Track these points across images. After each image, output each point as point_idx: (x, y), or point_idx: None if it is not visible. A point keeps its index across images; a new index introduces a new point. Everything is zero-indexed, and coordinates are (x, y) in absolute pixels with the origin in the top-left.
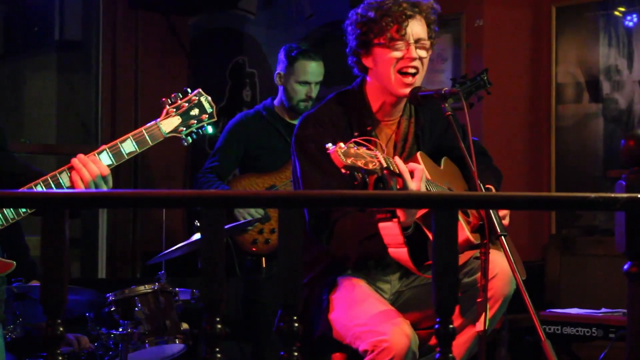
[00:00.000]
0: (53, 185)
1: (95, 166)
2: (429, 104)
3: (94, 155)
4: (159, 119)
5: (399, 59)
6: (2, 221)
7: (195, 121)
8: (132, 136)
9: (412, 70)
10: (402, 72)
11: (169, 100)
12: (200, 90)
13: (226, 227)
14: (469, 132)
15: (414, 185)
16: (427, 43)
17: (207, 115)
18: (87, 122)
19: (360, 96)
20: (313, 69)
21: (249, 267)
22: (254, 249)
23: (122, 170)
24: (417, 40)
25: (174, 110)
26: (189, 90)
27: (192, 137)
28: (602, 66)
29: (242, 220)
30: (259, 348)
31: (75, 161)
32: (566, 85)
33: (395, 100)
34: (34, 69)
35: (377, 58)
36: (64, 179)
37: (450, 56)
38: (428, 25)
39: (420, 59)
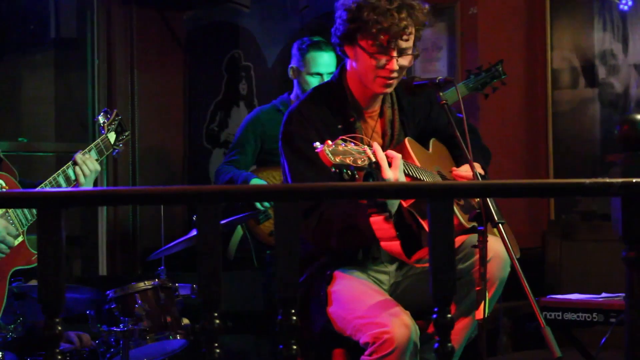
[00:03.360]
0: (63, 180)
1: (92, 163)
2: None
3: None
4: (104, 132)
5: (378, 67)
6: (25, 221)
7: (123, 136)
8: (95, 146)
9: (391, 79)
10: (381, 77)
11: (102, 118)
12: (116, 110)
13: (231, 219)
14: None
15: (390, 174)
16: (410, 52)
17: (128, 132)
18: (84, 119)
19: (340, 88)
20: (324, 60)
21: (269, 261)
22: (271, 240)
23: (121, 167)
24: (401, 52)
25: (112, 126)
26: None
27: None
28: (598, 51)
29: (246, 213)
30: (276, 344)
31: (78, 157)
32: (562, 71)
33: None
34: (31, 68)
35: (359, 56)
36: (71, 173)
37: (445, 45)
38: (417, 31)
39: (401, 68)
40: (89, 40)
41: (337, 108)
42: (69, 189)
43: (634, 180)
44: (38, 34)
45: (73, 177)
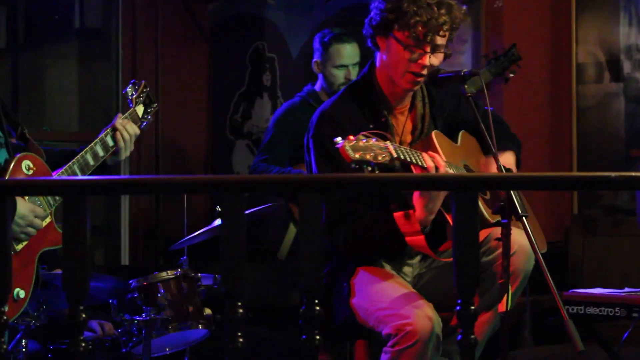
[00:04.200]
0: (101, 148)
1: (131, 127)
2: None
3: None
4: (132, 105)
5: (411, 61)
6: (53, 201)
7: (151, 108)
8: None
9: (420, 76)
10: (411, 72)
11: (131, 90)
12: (144, 82)
13: (255, 209)
14: (487, 107)
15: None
16: (443, 50)
17: (155, 104)
18: (109, 109)
19: (371, 86)
20: (348, 52)
21: None
22: None
23: (144, 157)
24: (434, 48)
25: (140, 98)
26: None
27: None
28: (623, 45)
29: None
30: (298, 336)
31: (118, 122)
32: (587, 65)
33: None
34: (55, 58)
35: (391, 48)
36: (109, 141)
37: (470, 38)
38: (452, 32)
39: (431, 66)
40: (114, 30)
41: (368, 107)
42: (93, 177)
43: None
44: (63, 24)
45: (112, 144)
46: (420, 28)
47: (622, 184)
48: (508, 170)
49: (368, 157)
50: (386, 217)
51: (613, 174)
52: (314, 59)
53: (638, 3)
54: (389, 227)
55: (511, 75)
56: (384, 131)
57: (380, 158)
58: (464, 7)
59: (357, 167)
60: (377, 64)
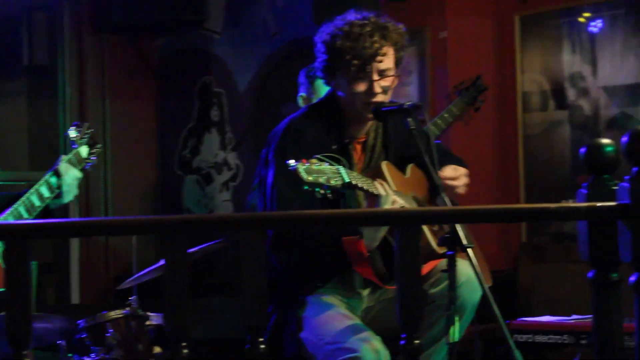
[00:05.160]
0: (45, 189)
1: (73, 171)
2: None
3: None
4: (75, 146)
5: (361, 92)
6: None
7: (95, 149)
8: (67, 160)
9: (377, 102)
10: (367, 102)
11: (74, 132)
12: (87, 124)
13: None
14: (432, 141)
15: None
16: (392, 71)
17: (99, 145)
18: (57, 148)
19: (335, 109)
20: None
21: None
22: None
23: (92, 193)
24: (381, 73)
25: (83, 140)
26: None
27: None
28: (567, 73)
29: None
30: None
31: (61, 167)
32: (532, 94)
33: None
34: (3, 96)
35: (341, 86)
36: (53, 181)
37: (416, 69)
38: (397, 51)
39: (384, 90)
40: (60, 67)
41: (334, 128)
42: (35, 220)
43: (599, 205)
44: (10, 61)
45: (56, 185)
46: (356, 61)
47: (562, 215)
48: (454, 203)
49: (321, 180)
50: (333, 241)
51: (553, 205)
52: (300, 94)
53: (581, 31)
54: (335, 251)
55: (480, 104)
56: (342, 155)
57: (332, 182)
58: (401, 25)
59: (310, 189)
60: (338, 93)
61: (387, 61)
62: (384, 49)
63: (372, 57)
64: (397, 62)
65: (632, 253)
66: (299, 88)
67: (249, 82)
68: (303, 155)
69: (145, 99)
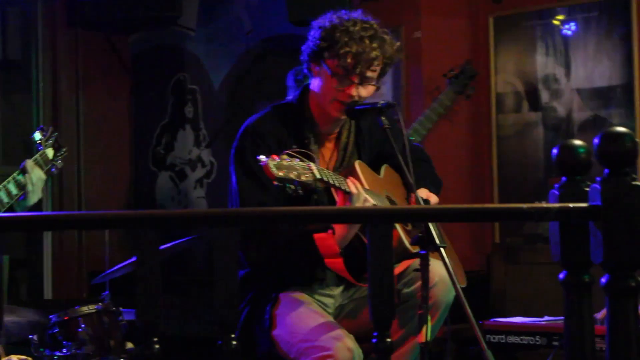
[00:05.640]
0: (13, 186)
1: (37, 172)
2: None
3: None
4: (41, 148)
5: (338, 90)
6: None
7: (61, 152)
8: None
9: (346, 105)
10: (338, 100)
11: (39, 134)
12: (52, 128)
13: (171, 243)
14: (406, 140)
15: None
16: (373, 83)
17: (65, 149)
18: (29, 142)
19: (300, 109)
20: None
21: None
22: None
23: (66, 190)
24: (363, 80)
25: (49, 142)
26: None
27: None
28: (540, 75)
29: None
30: None
31: (28, 165)
32: (506, 95)
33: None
34: None
35: (322, 75)
36: (21, 179)
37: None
38: (385, 66)
39: (361, 97)
40: (34, 62)
41: (294, 128)
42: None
43: (571, 205)
44: None
45: (23, 183)
46: (349, 60)
47: (534, 215)
48: (426, 202)
49: (291, 175)
50: (303, 236)
51: (525, 205)
52: (288, 97)
53: (555, 33)
54: (306, 246)
55: (471, 91)
56: (307, 152)
57: (303, 177)
58: (398, 43)
59: (280, 184)
60: (310, 88)
61: (373, 72)
62: (379, 60)
63: (366, 63)
64: (380, 75)
65: (603, 254)
66: (288, 92)
67: (223, 79)
68: (261, 153)
69: (119, 94)
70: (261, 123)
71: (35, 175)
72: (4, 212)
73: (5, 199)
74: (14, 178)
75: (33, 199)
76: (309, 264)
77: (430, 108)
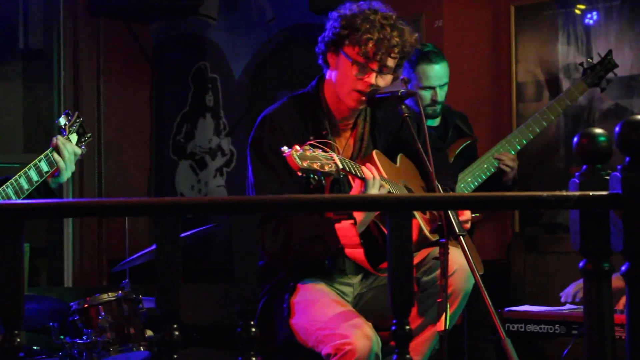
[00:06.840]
0: (34, 172)
1: (71, 146)
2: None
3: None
4: (65, 134)
5: (358, 79)
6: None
7: (85, 138)
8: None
9: (365, 95)
10: (357, 90)
11: (64, 119)
12: (78, 112)
13: (191, 232)
14: (425, 129)
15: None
16: (390, 73)
17: (89, 134)
18: (51, 131)
19: (317, 100)
20: (436, 73)
21: None
22: None
23: (87, 178)
24: (382, 69)
25: (73, 128)
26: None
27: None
28: (562, 64)
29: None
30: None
31: (60, 141)
32: (526, 84)
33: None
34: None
35: (340, 64)
36: (43, 166)
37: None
38: (402, 57)
39: (379, 86)
40: (55, 51)
41: (310, 119)
42: (27, 201)
43: (591, 194)
44: (6, 45)
45: (46, 169)
46: (370, 45)
47: (554, 203)
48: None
49: (315, 166)
50: (322, 224)
51: (545, 193)
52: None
53: (576, 22)
54: (323, 232)
55: (604, 85)
56: (330, 142)
57: (326, 168)
58: (417, 34)
59: (303, 175)
60: (326, 77)
61: (392, 61)
62: (398, 48)
63: (387, 49)
64: (398, 66)
65: (624, 243)
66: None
67: (244, 68)
68: (280, 146)
69: (140, 83)
70: (278, 114)
71: (69, 150)
72: (34, 190)
73: (26, 186)
74: (45, 155)
75: (67, 174)
76: (323, 253)
77: (557, 99)
